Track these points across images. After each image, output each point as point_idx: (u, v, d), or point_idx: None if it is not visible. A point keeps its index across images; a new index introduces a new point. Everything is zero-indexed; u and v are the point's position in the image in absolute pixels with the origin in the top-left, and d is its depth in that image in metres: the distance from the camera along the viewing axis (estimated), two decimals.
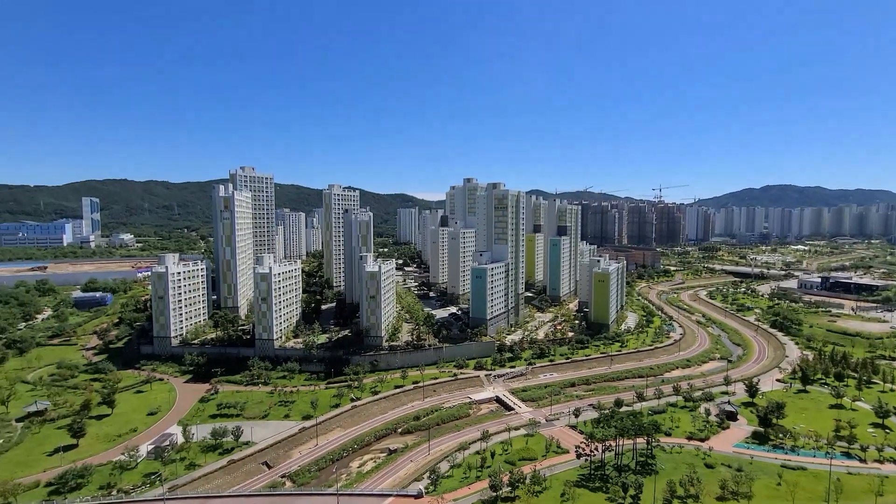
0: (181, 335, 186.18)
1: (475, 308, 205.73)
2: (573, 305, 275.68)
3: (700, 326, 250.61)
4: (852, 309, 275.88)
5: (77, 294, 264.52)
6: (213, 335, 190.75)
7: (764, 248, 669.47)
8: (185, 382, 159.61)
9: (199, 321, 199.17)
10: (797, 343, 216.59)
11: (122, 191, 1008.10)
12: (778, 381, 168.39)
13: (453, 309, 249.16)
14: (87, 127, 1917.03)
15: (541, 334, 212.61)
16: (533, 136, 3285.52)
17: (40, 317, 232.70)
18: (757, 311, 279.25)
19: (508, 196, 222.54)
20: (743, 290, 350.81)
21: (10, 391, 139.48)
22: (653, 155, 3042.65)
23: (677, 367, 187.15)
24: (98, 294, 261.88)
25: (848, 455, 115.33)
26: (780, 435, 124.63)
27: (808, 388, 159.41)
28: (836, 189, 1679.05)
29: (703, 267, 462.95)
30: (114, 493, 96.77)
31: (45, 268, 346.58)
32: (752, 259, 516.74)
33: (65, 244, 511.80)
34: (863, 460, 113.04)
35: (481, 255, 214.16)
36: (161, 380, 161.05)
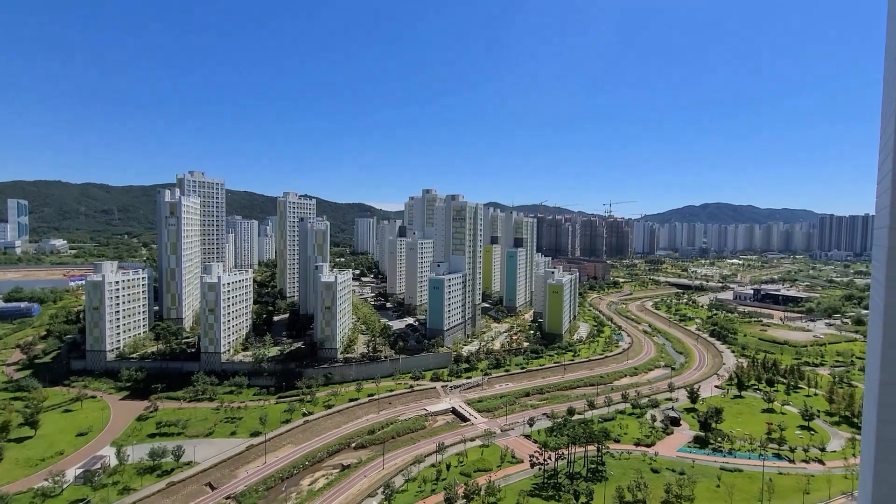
0: (118, 349, 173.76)
1: (432, 319, 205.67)
2: (529, 316, 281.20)
3: (647, 336, 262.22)
4: (781, 319, 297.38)
5: None
6: (155, 349, 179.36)
7: (703, 261, 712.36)
8: (122, 400, 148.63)
9: (139, 334, 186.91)
10: (733, 351, 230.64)
11: (56, 193, 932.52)
12: (716, 387, 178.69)
13: (410, 320, 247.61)
14: (13, 121, 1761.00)
15: (497, 345, 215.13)
16: (491, 149, 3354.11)
17: None
18: (697, 321, 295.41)
19: (467, 208, 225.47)
20: (685, 301, 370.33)
21: None
22: (604, 171, 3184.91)
23: (626, 375, 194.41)
24: (23, 304, 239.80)
25: (779, 456, 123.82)
26: (719, 439, 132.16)
27: (744, 393, 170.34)
28: (766, 208, 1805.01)
29: (650, 279, 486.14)
30: None
31: None
32: (692, 272, 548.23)
33: None
34: (791, 461, 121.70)
35: (439, 265, 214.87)
36: (93, 397, 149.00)
